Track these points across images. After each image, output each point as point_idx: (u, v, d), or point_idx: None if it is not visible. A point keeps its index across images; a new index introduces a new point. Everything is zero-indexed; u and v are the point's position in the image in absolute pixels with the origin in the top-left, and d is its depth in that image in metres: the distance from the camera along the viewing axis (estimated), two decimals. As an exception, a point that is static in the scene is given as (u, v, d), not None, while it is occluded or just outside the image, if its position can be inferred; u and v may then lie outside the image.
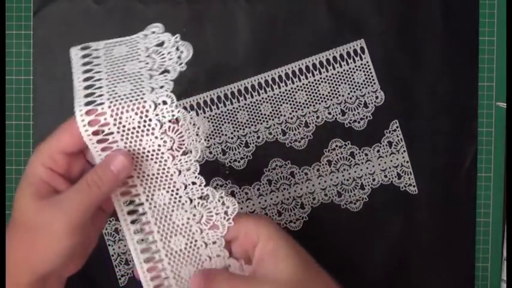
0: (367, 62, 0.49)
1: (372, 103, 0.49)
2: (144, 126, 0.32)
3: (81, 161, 0.33)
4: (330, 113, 0.49)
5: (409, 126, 0.49)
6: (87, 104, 0.31)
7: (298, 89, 0.49)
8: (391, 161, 0.49)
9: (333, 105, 0.49)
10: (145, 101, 0.31)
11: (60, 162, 0.31)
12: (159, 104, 0.31)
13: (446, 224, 0.49)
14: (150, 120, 0.32)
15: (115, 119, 0.31)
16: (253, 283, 0.33)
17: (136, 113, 0.31)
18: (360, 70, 0.49)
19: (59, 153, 0.31)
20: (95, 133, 0.31)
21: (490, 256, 0.50)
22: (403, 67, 0.49)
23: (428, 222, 0.49)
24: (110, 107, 0.31)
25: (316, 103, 0.49)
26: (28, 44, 0.49)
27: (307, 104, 0.49)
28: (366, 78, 0.49)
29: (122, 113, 0.31)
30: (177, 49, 0.33)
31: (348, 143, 0.49)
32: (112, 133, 0.31)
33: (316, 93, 0.49)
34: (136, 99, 0.31)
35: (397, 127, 0.49)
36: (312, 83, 0.49)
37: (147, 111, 0.31)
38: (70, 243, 0.31)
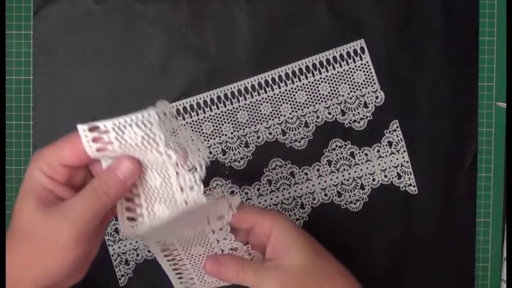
0: (367, 62, 0.49)
1: (372, 103, 0.49)
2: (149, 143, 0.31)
3: (83, 170, 0.32)
4: (330, 113, 0.49)
5: (409, 126, 0.49)
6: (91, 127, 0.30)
7: (298, 89, 0.49)
8: (391, 161, 0.49)
9: (333, 105, 0.49)
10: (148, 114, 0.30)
11: (61, 173, 0.31)
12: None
13: (446, 224, 0.49)
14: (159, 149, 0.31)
15: (117, 137, 0.30)
16: (264, 270, 0.34)
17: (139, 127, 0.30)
18: (360, 70, 0.49)
19: (60, 166, 0.30)
20: (99, 150, 0.30)
21: (490, 256, 0.50)
22: (403, 67, 0.49)
23: (428, 222, 0.49)
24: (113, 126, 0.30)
25: (316, 103, 0.49)
26: (28, 44, 0.49)
27: (307, 104, 0.49)
28: (366, 78, 0.49)
29: (124, 127, 0.30)
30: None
31: (348, 143, 0.49)
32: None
33: (316, 93, 0.49)
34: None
35: (397, 127, 0.49)
36: (312, 83, 0.49)
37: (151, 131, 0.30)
38: (75, 253, 0.30)
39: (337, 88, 0.49)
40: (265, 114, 0.49)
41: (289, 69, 0.49)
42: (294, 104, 0.49)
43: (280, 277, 0.34)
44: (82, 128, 0.30)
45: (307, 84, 0.49)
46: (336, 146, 0.49)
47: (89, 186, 0.30)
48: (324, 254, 0.36)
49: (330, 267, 0.36)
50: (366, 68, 0.49)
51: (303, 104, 0.49)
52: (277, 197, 0.49)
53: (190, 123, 0.49)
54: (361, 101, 0.49)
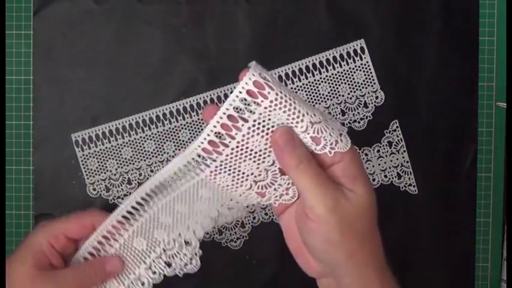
0: (367, 62, 0.49)
1: (372, 103, 0.49)
2: None
3: (76, 244, 0.37)
4: (330, 113, 0.49)
5: (409, 126, 0.49)
6: None
7: (298, 89, 0.49)
8: (391, 161, 0.49)
9: (333, 105, 0.49)
10: None
11: (61, 242, 0.36)
12: None
13: (447, 223, 0.49)
14: None
15: None
16: (327, 181, 0.31)
17: None
18: (360, 70, 0.49)
19: (63, 235, 0.36)
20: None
21: (490, 256, 0.50)
22: (403, 67, 0.49)
23: (429, 222, 0.49)
24: None
25: (316, 103, 0.49)
26: (28, 44, 0.49)
27: (307, 104, 0.49)
28: (366, 78, 0.49)
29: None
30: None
31: (348, 143, 0.49)
32: None
33: (316, 93, 0.49)
34: None
35: (397, 127, 0.49)
36: (312, 83, 0.49)
37: None
38: None
39: (337, 88, 0.49)
40: (265, 114, 0.49)
41: (289, 69, 0.49)
42: (294, 104, 0.49)
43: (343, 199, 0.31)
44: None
45: (307, 84, 0.49)
46: (336, 146, 0.49)
47: (82, 265, 0.35)
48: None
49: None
50: (366, 68, 0.49)
51: (303, 104, 0.49)
52: (277, 197, 0.49)
53: (190, 123, 0.49)
54: (361, 101, 0.49)
